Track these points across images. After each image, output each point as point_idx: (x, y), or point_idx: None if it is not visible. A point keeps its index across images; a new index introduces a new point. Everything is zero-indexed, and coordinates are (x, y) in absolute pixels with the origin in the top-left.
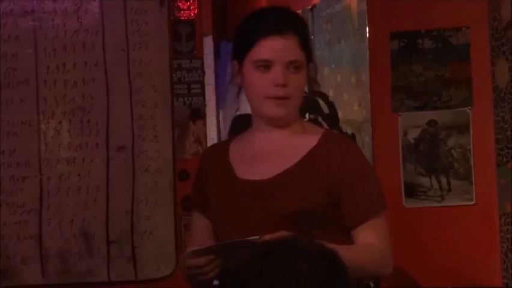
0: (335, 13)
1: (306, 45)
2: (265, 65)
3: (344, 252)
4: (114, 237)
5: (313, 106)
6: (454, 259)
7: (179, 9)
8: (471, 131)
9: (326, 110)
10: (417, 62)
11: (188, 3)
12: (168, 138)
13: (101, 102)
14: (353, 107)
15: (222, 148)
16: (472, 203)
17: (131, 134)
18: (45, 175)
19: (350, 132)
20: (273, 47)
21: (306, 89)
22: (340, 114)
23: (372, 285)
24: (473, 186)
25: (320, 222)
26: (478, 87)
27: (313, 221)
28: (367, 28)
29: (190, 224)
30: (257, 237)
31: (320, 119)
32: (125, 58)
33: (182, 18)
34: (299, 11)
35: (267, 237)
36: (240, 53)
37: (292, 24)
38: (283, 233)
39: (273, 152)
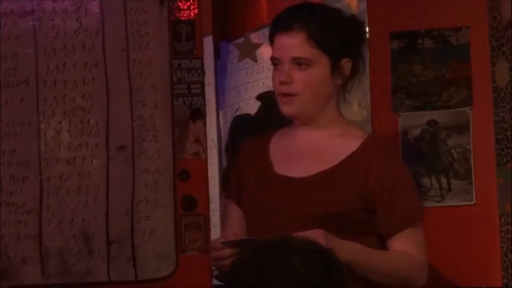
0: None
1: (320, 42)
2: (275, 63)
3: (372, 254)
4: (114, 237)
5: None
6: (454, 259)
7: (179, 9)
8: (471, 131)
9: None
10: (417, 62)
11: (188, 3)
12: (168, 138)
13: (101, 102)
14: (353, 107)
15: (263, 141)
16: (472, 203)
17: (131, 134)
18: (45, 175)
19: None
20: (279, 45)
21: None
22: None
23: None
24: (473, 186)
25: (350, 226)
26: (478, 87)
27: (343, 223)
28: (367, 28)
29: (225, 212)
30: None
31: None
32: (125, 58)
33: (182, 18)
34: None
35: (299, 234)
36: None
37: (301, 20)
38: (310, 233)
39: (313, 152)
